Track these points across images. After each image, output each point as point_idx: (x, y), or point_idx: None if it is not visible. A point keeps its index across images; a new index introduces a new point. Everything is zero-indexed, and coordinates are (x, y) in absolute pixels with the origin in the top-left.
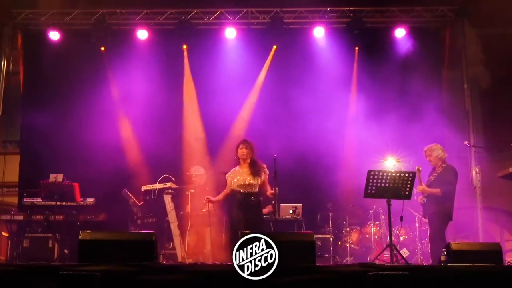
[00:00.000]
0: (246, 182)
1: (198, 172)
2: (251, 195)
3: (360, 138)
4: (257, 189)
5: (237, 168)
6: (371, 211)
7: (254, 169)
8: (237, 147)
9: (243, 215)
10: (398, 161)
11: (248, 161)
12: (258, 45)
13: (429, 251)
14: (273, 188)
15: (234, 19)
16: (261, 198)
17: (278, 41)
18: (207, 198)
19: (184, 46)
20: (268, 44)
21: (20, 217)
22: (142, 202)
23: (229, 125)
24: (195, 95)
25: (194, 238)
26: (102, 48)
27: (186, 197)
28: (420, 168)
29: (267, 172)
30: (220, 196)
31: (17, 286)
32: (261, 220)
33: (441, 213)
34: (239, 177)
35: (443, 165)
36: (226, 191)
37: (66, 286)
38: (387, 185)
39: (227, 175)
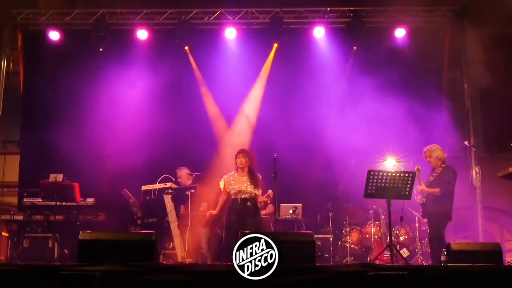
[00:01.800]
0: (243, 189)
1: (183, 172)
2: (247, 201)
3: (360, 138)
4: (253, 195)
5: (235, 174)
6: (371, 211)
7: (252, 179)
8: (235, 156)
9: (241, 221)
10: (398, 161)
11: (246, 169)
12: (258, 45)
13: (429, 251)
14: (268, 190)
15: (234, 19)
16: (260, 202)
17: (278, 41)
18: (209, 213)
19: (186, 47)
20: (268, 44)
21: (20, 217)
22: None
23: (229, 125)
24: (195, 95)
25: (194, 238)
26: (101, 49)
27: (186, 197)
28: (420, 168)
29: (262, 186)
30: (219, 206)
31: (17, 286)
32: (260, 224)
33: (440, 213)
34: (236, 183)
35: (442, 165)
36: (223, 196)
37: (66, 286)
38: (387, 185)
39: (222, 178)
